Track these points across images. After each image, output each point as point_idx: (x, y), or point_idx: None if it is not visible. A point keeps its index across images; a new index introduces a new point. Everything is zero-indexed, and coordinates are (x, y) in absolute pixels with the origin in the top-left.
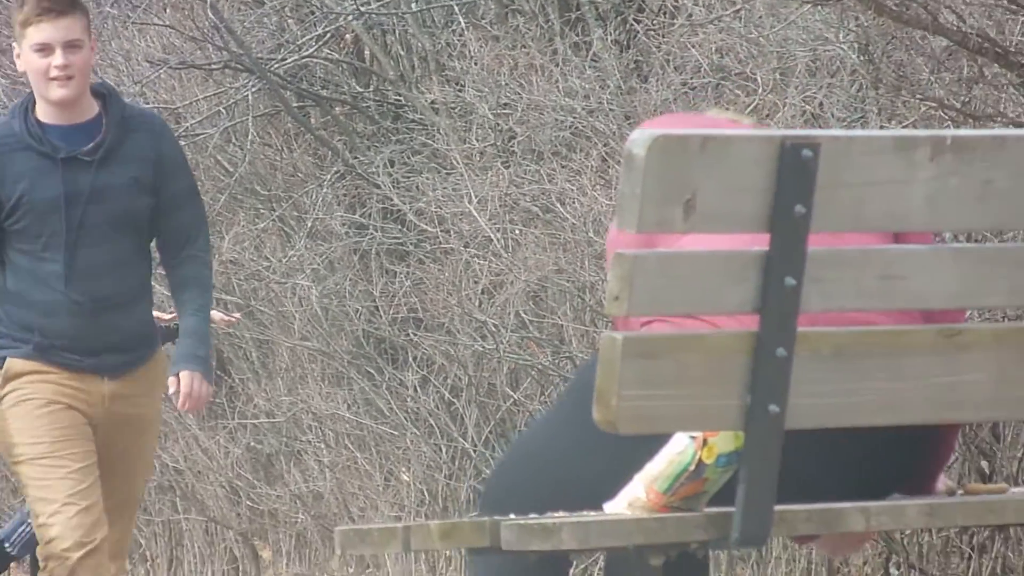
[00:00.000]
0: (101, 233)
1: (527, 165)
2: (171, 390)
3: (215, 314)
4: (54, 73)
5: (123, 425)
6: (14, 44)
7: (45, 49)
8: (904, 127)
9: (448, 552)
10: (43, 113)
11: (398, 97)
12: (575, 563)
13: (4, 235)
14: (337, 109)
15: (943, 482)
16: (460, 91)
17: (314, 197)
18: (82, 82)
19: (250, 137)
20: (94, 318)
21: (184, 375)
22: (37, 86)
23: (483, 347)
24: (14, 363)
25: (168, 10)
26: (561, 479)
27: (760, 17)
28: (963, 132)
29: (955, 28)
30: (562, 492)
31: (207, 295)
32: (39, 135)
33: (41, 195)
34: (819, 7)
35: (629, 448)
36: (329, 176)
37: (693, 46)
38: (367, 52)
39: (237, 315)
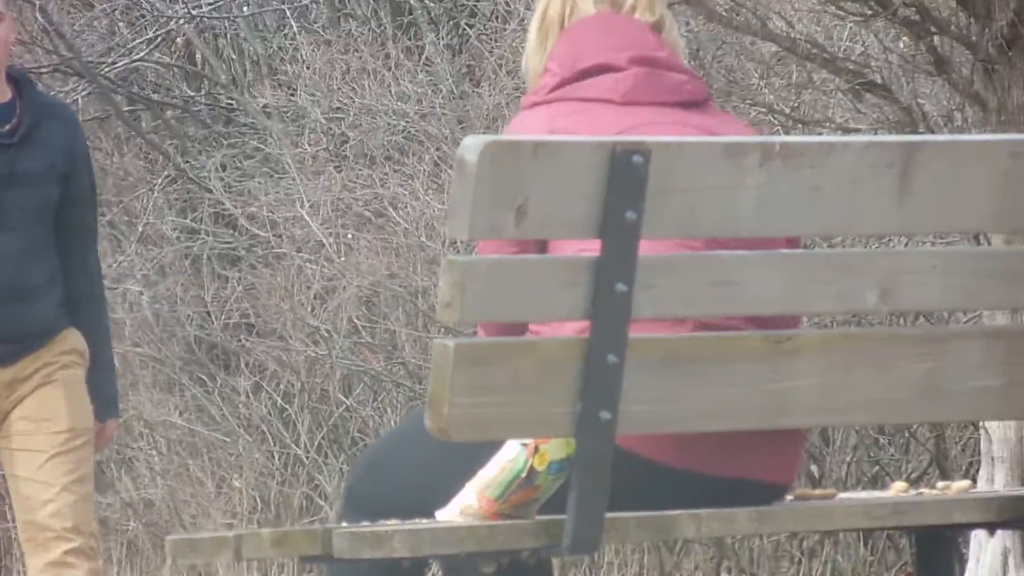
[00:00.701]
0: (17, 220)
1: (360, 170)
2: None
3: None
4: None
5: (30, 398)
6: None
7: None
8: None
9: (281, 560)
10: None
11: (230, 101)
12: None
13: None
14: (168, 113)
15: None
16: (292, 95)
17: (145, 202)
18: (3, 57)
19: None
20: None
21: (111, 424)
22: None
23: (316, 353)
24: None
25: None
26: (413, 486)
27: None
28: (791, 138)
29: (784, 34)
30: (414, 499)
31: (106, 312)
32: None
33: None
34: None
35: (468, 455)
36: (160, 180)
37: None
38: (199, 56)
39: None
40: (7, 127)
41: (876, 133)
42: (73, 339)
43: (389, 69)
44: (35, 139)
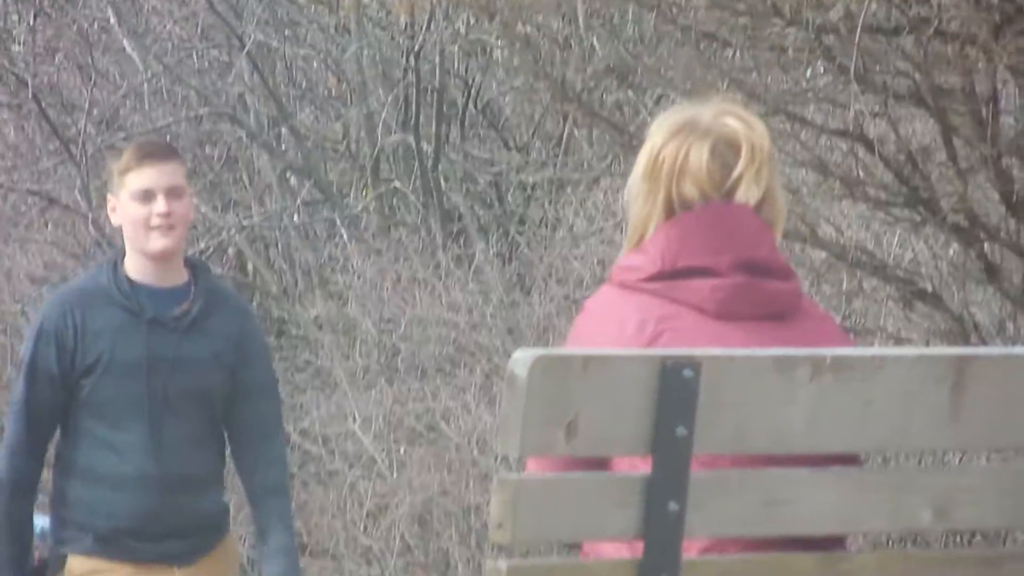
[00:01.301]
0: (181, 406)
1: (411, 382)
2: None
3: None
4: (156, 221)
5: None
6: (108, 197)
7: (147, 196)
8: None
9: None
10: (134, 270)
11: (281, 312)
12: None
13: (74, 400)
14: None
15: None
16: (343, 306)
17: None
18: (182, 234)
19: None
20: (165, 497)
21: None
22: (135, 238)
23: (369, 574)
24: (76, 562)
25: (49, 226)
26: None
27: None
28: (842, 352)
29: (833, 240)
30: None
31: (290, 505)
32: (127, 291)
33: (123, 356)
34: None
35: None
36: None
37: (575, 258)
38: (250, 266)
39: None
40: (178, 311)
41: (928, 343)
42: (236, 549)
43: (439, 278)
44: (203, 327)
